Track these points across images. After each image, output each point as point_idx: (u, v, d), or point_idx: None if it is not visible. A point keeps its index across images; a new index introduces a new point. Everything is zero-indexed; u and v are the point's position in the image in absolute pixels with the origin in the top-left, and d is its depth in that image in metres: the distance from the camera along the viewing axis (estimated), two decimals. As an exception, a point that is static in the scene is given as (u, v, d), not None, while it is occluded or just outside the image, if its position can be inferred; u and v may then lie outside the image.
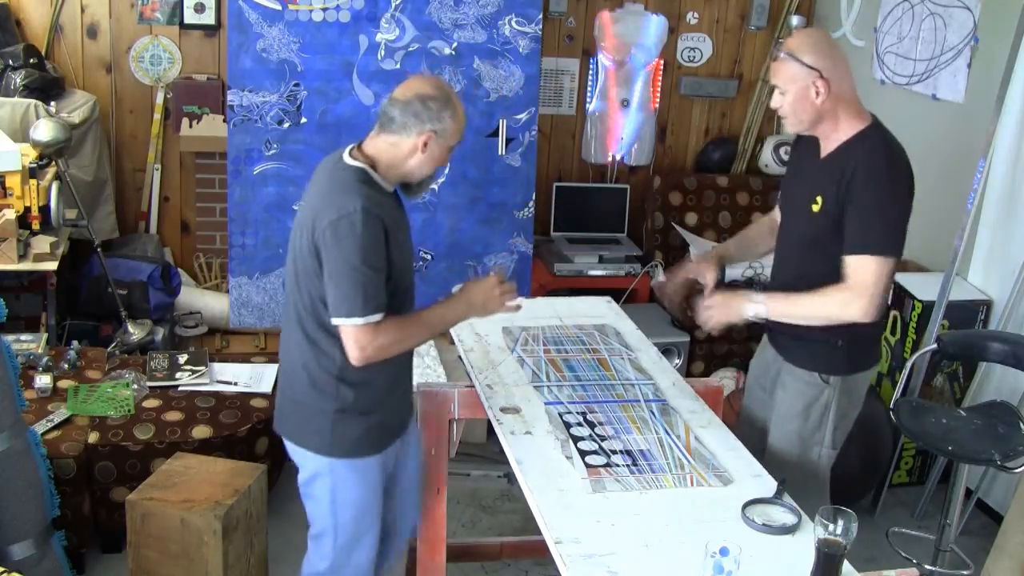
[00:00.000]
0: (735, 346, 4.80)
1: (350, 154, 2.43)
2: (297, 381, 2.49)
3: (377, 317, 2.32)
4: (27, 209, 3.81)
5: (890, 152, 2.61)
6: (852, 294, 2.56)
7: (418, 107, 2.36)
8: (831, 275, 2.64)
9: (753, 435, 2.98)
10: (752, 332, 4.41)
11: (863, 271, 2.54)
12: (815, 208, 2.67)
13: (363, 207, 2.28)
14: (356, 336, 2.31)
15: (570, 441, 2.59)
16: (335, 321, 2.34)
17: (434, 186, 4.35)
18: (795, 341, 2.80)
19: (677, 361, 4.64)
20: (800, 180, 2.81)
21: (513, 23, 4.33)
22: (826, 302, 2.60)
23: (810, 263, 2.74)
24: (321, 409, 2.46)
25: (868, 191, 2.55)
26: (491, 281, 2.55)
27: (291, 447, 2.57)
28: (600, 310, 3.52)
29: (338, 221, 2.28)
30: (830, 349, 2.69)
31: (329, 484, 2.52)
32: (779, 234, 2.93)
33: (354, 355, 2.34)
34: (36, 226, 3.84)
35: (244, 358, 3.88)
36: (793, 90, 2.60)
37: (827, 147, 2.70)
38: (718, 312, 2.73)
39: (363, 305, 2.29)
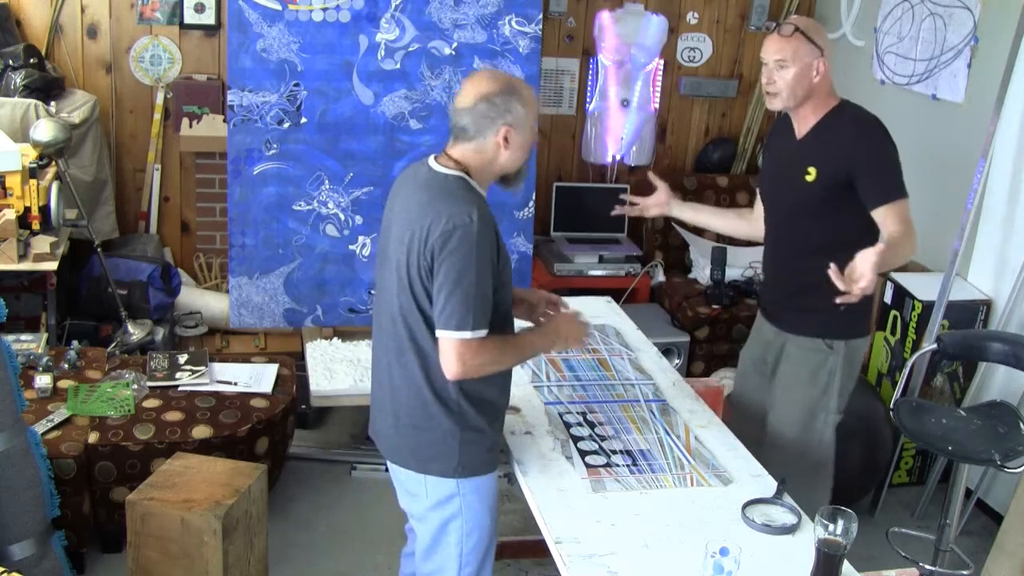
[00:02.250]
0: (735, 346, 4.80)
1: (437, 162, 2.34)
2: (412, 405, 2.35)
3: (483, 333, 2.23)
4: (27, 209, 3.81)
5: (868, 116, 2.83)
6: (908, 233, 2.67)
7: (484, 108, 2.29)
8: (823, 243, 2.77)
9: (748, 423, 3.01)
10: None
11: (902, 214, 2.70)
12: (808, 178, 2.81)
13: (479, 216, 2.21)
14: (460, 350, 2.21)
15: (570, 441, 2.59)
16: (439, 333, 2.23)
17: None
18: (797, 313, 2.95)
19: (677, 361, 4.63)
20: (783, 161, 2.94)
21: (513, 23, 4.32)
22: (903, 242, 2.65)
23: (802, 233, 2.88)
24: (445, 429, 2.33)
25: (872, 151, 2.74)
26: (573, 316, 2.56)
27: (408, 475, 2.42)
28: (600, 310, 3.53)
29: (453, 231, 2.19)
30: (831, 316, 2.78)
31: (456, 508, 2.39)
32: (766, 221, 3.03)
33: (453, 369, 2.24)
34: (36, 226, 3.84)
35: (244, 358, 3.87)
36: (798, 66, 2.74)
37: (802, 128, 2.86)
38: (878, 263, 2.59)
39: (473, 319, 2.20)
